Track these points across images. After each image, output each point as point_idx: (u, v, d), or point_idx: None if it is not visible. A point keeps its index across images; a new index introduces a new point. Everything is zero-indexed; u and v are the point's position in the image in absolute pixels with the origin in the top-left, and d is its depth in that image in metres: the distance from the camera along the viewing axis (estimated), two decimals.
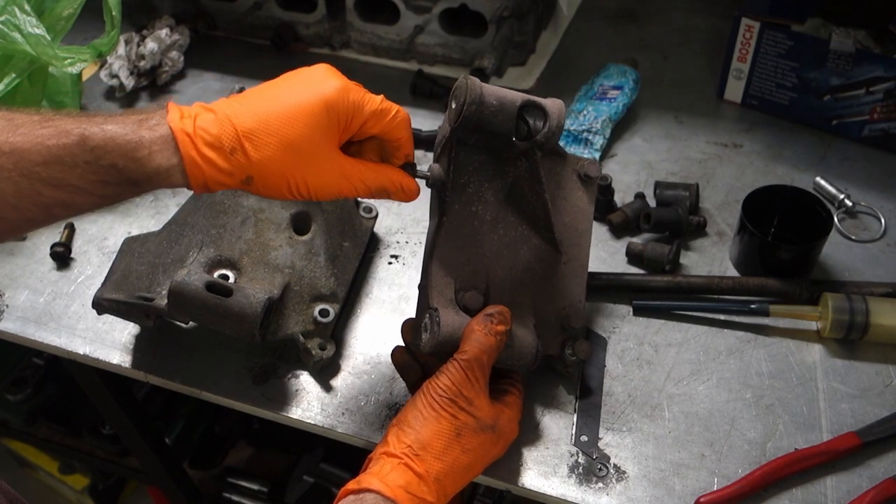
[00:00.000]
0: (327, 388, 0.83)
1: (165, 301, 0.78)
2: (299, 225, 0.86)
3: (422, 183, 0.73)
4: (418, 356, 0.78)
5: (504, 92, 0.71)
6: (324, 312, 0.83)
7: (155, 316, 0.81)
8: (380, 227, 0.99)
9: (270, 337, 0.80)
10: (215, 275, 0.82)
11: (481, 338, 0.69)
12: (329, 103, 0.64)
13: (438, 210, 0.76)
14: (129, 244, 0.88)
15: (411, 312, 0.80)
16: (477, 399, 0.69)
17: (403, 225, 1.00)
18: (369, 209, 0.95)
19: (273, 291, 0.80)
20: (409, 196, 0.71)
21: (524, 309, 0.76)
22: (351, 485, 0.64)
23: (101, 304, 0.83)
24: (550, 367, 0.81)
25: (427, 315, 0.73)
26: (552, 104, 0.72)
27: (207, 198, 0.86)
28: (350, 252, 0.90)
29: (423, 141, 1.04)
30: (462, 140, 0.74)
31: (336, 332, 0.87)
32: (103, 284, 0.84)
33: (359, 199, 0.95)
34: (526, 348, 0.73)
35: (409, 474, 0.64)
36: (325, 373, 0.84)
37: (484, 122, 0.70)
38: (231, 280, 0.82)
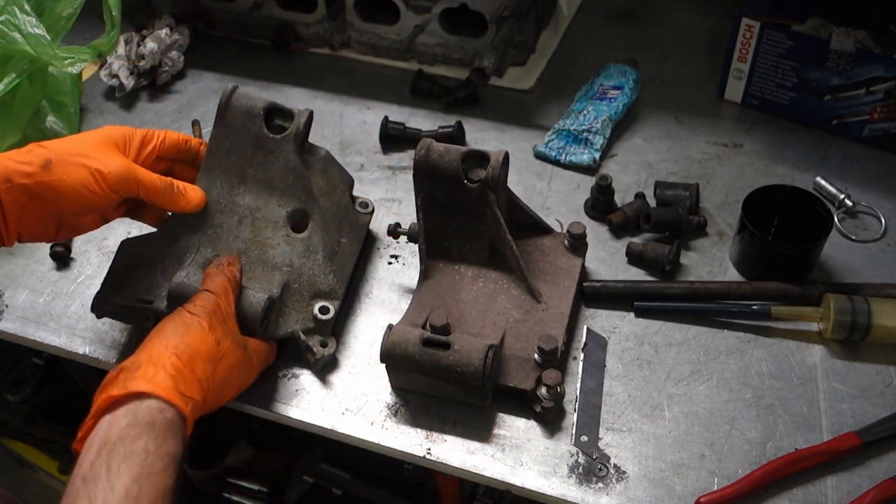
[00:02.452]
0: (327, 387, 0.83)
1: (166, 303, 0.78)
2: (296, 223, 0.86)
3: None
4: None
5: (451, 146, 0.85)
6: (324, 310, 0.83)
7: (154, 318, 0.81)
8: (380, 227, 0.99)
9: (270, 335, 0.80)
10: None
11: (215, 271, 0.77)
12: (111, 130, 0.80)
13: (420, 260, 0.89)
14: (127, 246, 0.87)
15: None
16: (230, 320, 0.74)
17: (404, 225, 0.99)
18: (365, 204, 0.95)
19: (272, 290, 0.80)
20: (195, 196, 0.83)
21: (488, 338, 0.79)
22: (113, 390, 0.64)
23: (101, 308, 0.83)
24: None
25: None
26: (493, 151, 0.84)
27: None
28: (347, 248, 0.90)
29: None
30: (431, 196, 0.85)
31: (336, 332, 0.87)
32: (102, 287, 0.84)
33: (354, 194, 0.94)
34: (473, 353, 0.75)
35: (178, 375, 0.66)
36: (325, 372, 0.84)
37: (434, 165, 0.83)
38: None
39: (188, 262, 0.82)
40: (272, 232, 0.85)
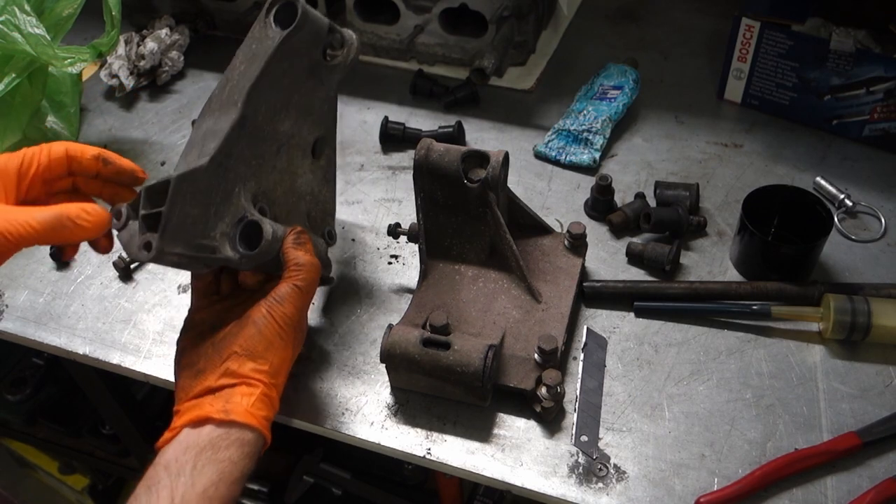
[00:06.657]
0: (327, 387, 0.83)
1: (230, 252, 0.72)
2: (316, 149, 0.84)
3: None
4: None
5: (451, 146, 0.85)
6: (329, 235, 0.85)
7: (222, 266, 0.76)
8: (380, 227, 0.99)
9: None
10: (256, 208, 0.77)
11: (307, 259, 0.73)
12: None
13: (420, 260, 0.89)
14: (181, 184, 0.70)
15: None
16: (306, 321, 0.78)
17: (404, 225, 0.99)
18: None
19: (305, 223, 0.82)
20: (94, 220, 0.68)
21: (488, 338, 0.79)
22: (214, 413, 0.67)
23: (163, 259, 0.70)
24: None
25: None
26: (493, 151, 0.84)
27: (251, 123, 0.76)
28: (333, 156, 0.88)
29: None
30: (431, 196, 0.86)
31: (336, 333, 0.87)
32: (162, 235, 0.69)
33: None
34: (473, 353, 0.75)
35: (268, 403, 0.70)
36: (325, 373, 0.84)
37: (434, 165, 0.83)
38: (268, 214, 0.77)
39: (239, 198, 0.75)
40: (301, 160, 0.82)
